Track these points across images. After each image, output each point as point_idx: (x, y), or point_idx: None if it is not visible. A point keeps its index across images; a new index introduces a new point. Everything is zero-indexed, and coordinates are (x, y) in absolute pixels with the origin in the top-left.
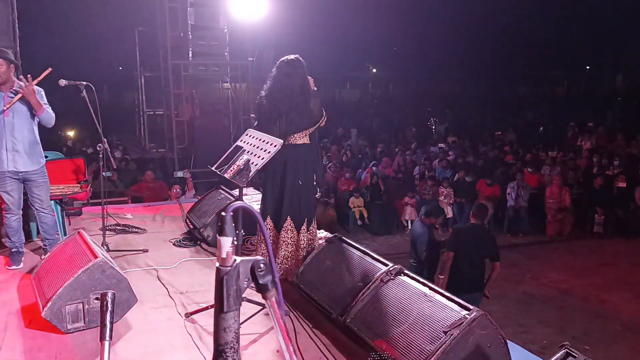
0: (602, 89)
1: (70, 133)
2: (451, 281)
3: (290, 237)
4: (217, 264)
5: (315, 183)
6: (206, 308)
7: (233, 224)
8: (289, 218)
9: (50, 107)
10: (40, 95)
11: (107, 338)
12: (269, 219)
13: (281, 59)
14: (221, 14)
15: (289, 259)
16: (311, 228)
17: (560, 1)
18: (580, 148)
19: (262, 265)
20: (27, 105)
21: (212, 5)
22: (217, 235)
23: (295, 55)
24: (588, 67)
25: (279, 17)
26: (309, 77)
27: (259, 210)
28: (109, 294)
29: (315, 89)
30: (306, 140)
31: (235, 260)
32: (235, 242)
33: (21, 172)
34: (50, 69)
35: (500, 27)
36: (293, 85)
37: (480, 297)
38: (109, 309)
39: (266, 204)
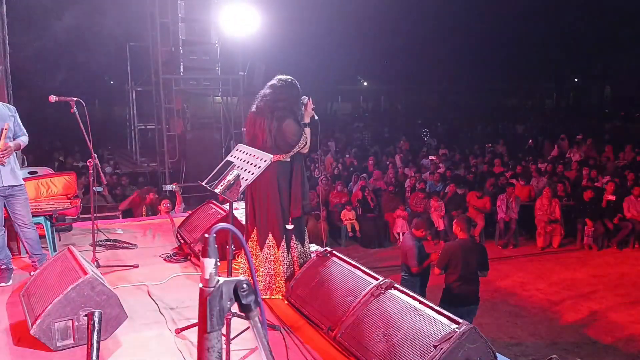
0: (590, 101)
1: (61, 148)
2: (445, 295)
3: (273, 254)
4: (200, 285)
5: (294, 200)
6: (197, 324)
7: (216, 246)
8: (270, 235)
9: (24, 128)
10: (15, 118)
11: (94, 358)
12: (270, 237)
13: (276, 76)
14: (212, 29)
15: (272, 276)
16: (299, 242)
17: (549, 15)
18: (569, 160)
19: (244, 286)
20: (7, 122)
21: (203, 21)
22: (200, 256)
23: (291, 77)
24: (576, 80)
25: (270, 31)
26: (308, 98)
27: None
28: (96, 314)
29: (315, 116)
30: (285, 157)
31: (218, 280)
32: (219, 264)
33: (9, 187)
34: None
35: (490, 41)
36: (280, 101)
37: (475, 309)
38: (96, 328)
39: (267, 220)
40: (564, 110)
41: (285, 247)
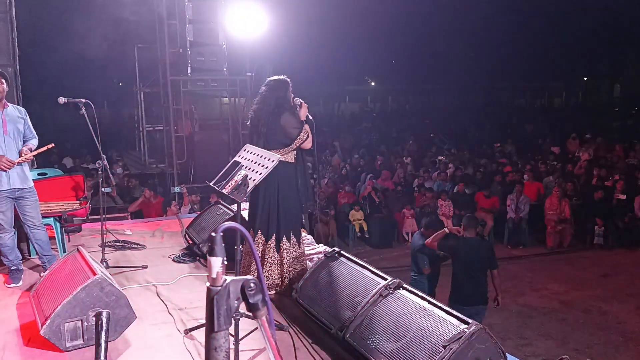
0: (599, 99)
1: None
2: (453, 294)
3: (261, 251)
4: (207, 284)
5: (299, 201)
6: (205, 324)
7: (223, 244)
8: (259, 232)
9: (34, 131)
10: (26, 120)
11: (102, 358)
12: (260, 234)
13: (269, 78)
14: (219, 31)
15: (273, 277)
16: (292, 244)
17: (557, 13)
18: (578, 159)
19: (252, 285)
20: (17, 124)
21: (211, 22)
22: (207, 255)
23: (283, 76)
24: (585, 78)
25: (278, 32)
26: (302, 102)
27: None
28: (104, 314)
29: (310, 116)
30: (288, 158)
31: (225, 280)
32: (226, 263)
33: (18, 189)
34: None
35: (498, 39)
36: (269, 100)
37: (484, 310)
38: (104, 328)
39: (256, 218)
40: (573, 109)
41: (274, 245)
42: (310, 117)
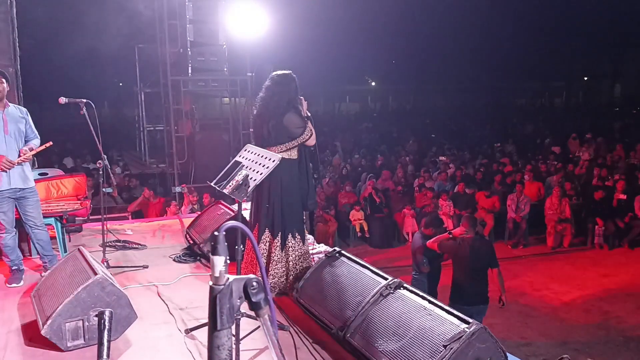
0: (600, 99)
1: (71, 149)
2: (453, 294)
3: (267, 249)
4: (210, 283)
5: (301, 198)
6: (206, 324)
7: (226, 243)
8: (267, 230)
9: (36, 131)
10: (27, 120)
11: (105, 357)
12: (267, 232)
13: (274, 72)
14: (220, 31)
15: (278, 276)
16: (297, 241)
17: (558, 13)
18: (579, 159)
19: (254, 284)
20: (18, 124)
21: (211, 22)
22: (210, 254)
23: (288, 71)
24: (586, 78)
25: (278, 32)
26: (301, 98)
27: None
28: (107, 313)
29: (308, 113)
30: (291, 154)
31: (228, 278)
32: (228, 262)
33: (19, 189)
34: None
35: (499, 40)
36: (274, 96)
37: (484, 309)
38: (107, 327)
39: (261, 216)
40: (574, 109)
41: (279, 243)
42: (309, 114)
